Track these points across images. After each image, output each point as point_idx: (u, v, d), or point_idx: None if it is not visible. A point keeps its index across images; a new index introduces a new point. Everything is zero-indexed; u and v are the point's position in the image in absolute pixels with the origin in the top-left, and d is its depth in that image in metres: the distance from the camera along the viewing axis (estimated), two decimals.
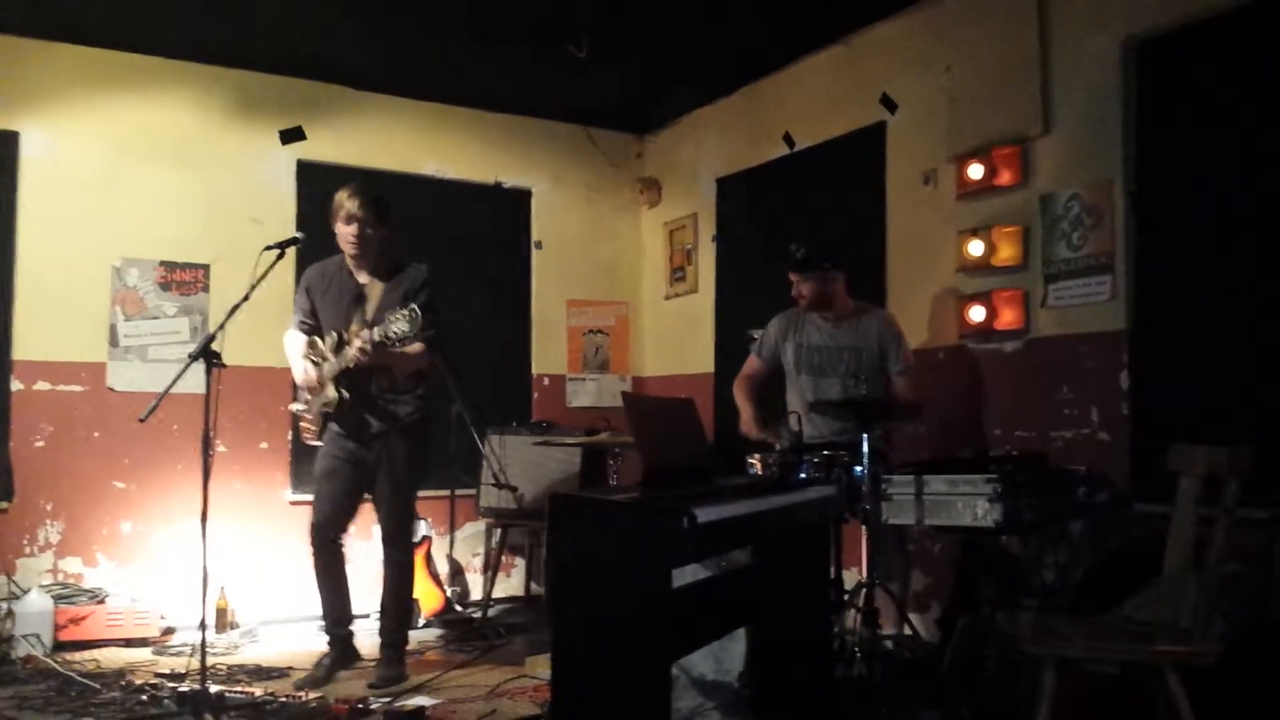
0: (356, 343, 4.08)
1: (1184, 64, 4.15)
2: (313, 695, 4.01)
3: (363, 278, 4.44)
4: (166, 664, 4.71)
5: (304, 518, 4.63)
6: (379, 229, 4.38)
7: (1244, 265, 3.92)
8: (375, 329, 4.02)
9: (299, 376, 4.43)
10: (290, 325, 4.57)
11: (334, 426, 4.41)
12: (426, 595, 5.67)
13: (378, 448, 4.38)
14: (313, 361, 4.39)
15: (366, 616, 4.89)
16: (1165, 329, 4.16)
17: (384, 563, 4.47)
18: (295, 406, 4.55)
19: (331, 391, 4.27)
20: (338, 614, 4.48)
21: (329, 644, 4.49)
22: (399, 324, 3.93)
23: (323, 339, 4.42)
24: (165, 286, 5.79)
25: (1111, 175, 4.32)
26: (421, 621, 5.51)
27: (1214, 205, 4.03)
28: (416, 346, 4.20)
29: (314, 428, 4.45)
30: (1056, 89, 4.56)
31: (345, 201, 4.35)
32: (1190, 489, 2.92)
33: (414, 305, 3.95)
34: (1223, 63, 4.02)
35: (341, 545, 4.49)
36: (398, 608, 4.50)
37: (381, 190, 6.16)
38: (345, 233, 4.34)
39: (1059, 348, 4.49)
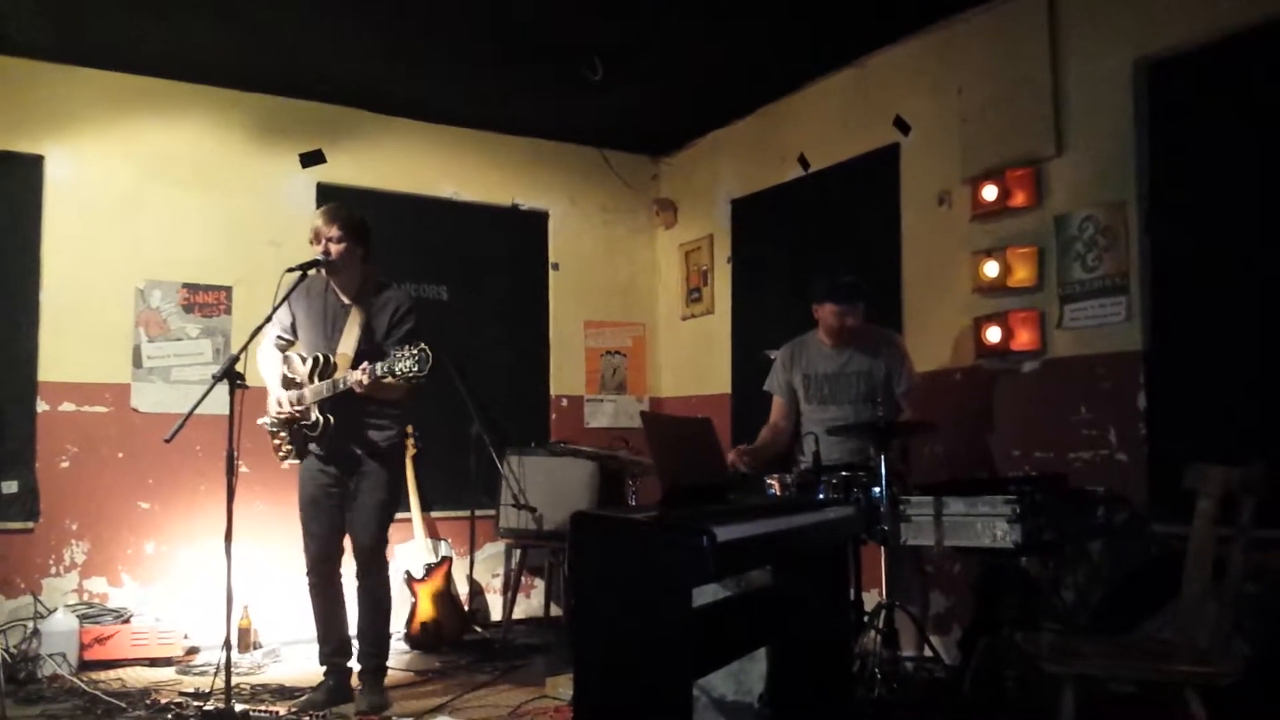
0: (356, 374, 4.05)
1: (1196, 84, 4.18)
2: (334, 713, 4.04)
3: (345, 299, 4.40)
4: (191, 683, 4.74)
5: None
6: (351, 247, 4.31)
7: (1259, 284, 3.93)
8: (380, 364, 4.00)
9: (284, 401, 4.33)
10: (265, 339, 4.41)
11: (313, 448, 4.37)
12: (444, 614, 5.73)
13: (356, 473, 4.36)
14: (292, 382, 4.37)
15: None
16: (1182, 349, 4.17)
17: (358, 590, 4.40)
18: (265, 421, 4.48)
19: (316, 414, 4.26)
20: (336, 642, 4.42)
21: (326, 673, 4.41)
22: (406, 362, 3.91)
23: (300, 357, 4.41)
24: (188, 308, 5.86)
25: (1125, 196, 4.35)
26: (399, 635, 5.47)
27: (1228, 224, 4.05)
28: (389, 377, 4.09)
29: (289, 447, 4.39)
30: (1069, 110, 4.59)
31: (313, 221, 4.35)
32: (1207, 509, 2.93)
33: (424, 345, 3.93)
34: (1235, 83, 4.05)
35: (339, 574, 4.46)
36: (376, 634, 4.42)
37: (399, 212, 6.36)
38: (315, 251, 4.30)
39: (1076, 368, 4.50)
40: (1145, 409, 4.25)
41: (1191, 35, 4.15)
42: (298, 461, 4.42)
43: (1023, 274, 4.70)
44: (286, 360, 4.45)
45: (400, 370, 3.94)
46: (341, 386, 4.15)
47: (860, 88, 5.70)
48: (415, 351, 3.92)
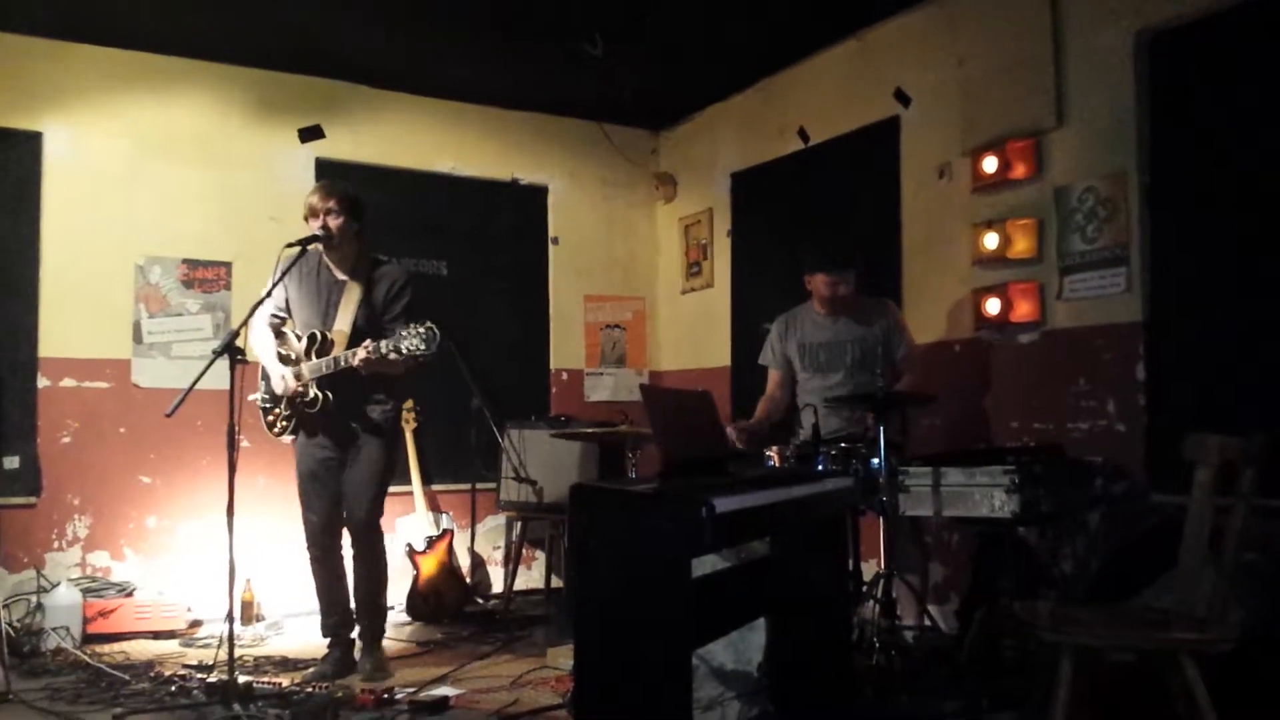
0: (360, 353, 4.06)
1: (1198, 56, 4.16)
2: (338, 684, 4.08)
3: (340, 275, 4.40)
4: (194, 655, 4.78)
5: None
6: (348, 221, 4.32)
7: (1260, 255, 3.93)
8: (385, 342, 4.01)
9: (278, 383, 4.35)
10: (258, 317, 4.38)
11: (308, 424, 4.40)
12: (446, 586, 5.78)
13: (353, 446, 4.38)
14: (288, 359, 4.39)
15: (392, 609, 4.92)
16: (1181, 320, 4.17)
17: (354, 560, 4.44)
18: (256, 397, 4.50)
19: (314, 391, 4.27)
20: (340, 615, 4.46)
21: (330, 645, 4.44)
22: (413, 340, 3.93)
23: (294, 334, 4.43)
24: (188, 284, 5.86)
25: (1126, 167, 4.33)
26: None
27: (1229, 196, 4.04)
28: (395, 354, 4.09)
29: (285, 423, 4.41)
30: (1070, 82, 4.57)
31: (308, 197, 4.35)
32: (1206, 479, 2.94)
33: (430, 324, 3.95)
34: (1237, 54, 4.03)
35: (340, 547, 4.49)
36: (372, 604, 4.46)
37: (399, 187, 6.35)
38: (312, 227, 4.29)
39: (1075, 340, 4.51)
40: (1144, 380, 4.26)
41: (1193, 7, 4.12)
42: (294, 436, 4.44)
43: (1022, 246, 4.69)
44: (281, 337, 4.46)
45: (407, 349, 3.94)
46: (342, 364, 4.16)
47: (860, 60, 5.67)
48: (422, 330, 3.93)
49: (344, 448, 4.39)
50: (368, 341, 4.09)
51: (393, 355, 4.00)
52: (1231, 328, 4.01)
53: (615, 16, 5.37)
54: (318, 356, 4.28)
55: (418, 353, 3.94)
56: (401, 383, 4.48)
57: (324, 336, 4.31)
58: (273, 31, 5.57)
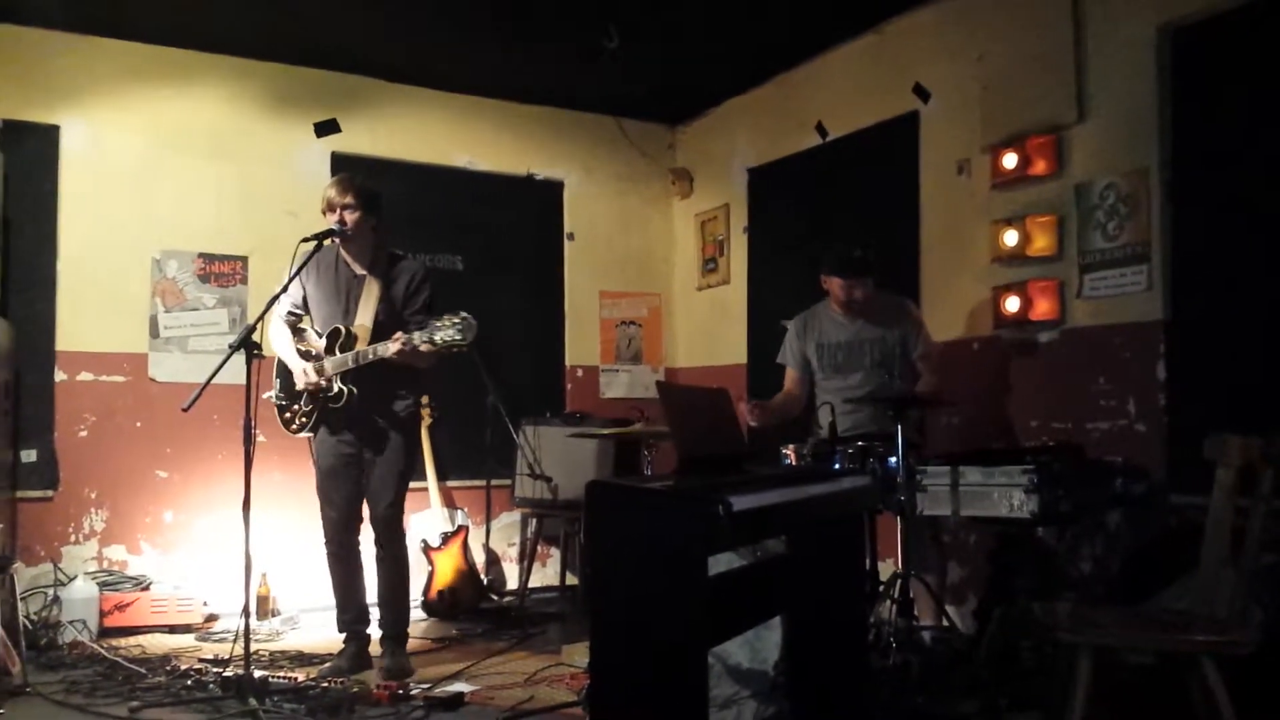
0: (395, 345, 4.03)
1: (1221, 50, 4.11)
2: (354, 680, 4.08)
3: (359, 270, 4.39)
4: (210, 650, 4.79)
5: None
6: (365, 216, 4.30)
7: None
8: (419, 333, 4.00)
9: (299, 377, 4.34)
10: (275, 316, 4.44)
11: (332, 420, 4.39)
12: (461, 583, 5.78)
13: (374, 442, 4.38)
14: (309, 355, 4.39)
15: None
16: (1202, 319, 4.13)
17: (378, 559, 4.43)
18: (271, 395, 4.49)
19: (338, 386, 4.26)
20: (356, 611, 4.46)
21: (346, 640, 4.45)
22: (449, 331, 3.91)
23: (313, 330, 4.43)
24: (204, 278, 5.87)
25: (1147, 164, 4.29)
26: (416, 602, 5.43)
27: (1252, 193, 4.00)
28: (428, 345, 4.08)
29: (305, 420, 4.40)
30: (1091, 77, 4.53)
31: (326, 191, 4.33)
32: (1226, 479, 2.91)
33: (465, 314, 3.93)
34: (1261, 49, 3.98)
35: (358, 542, 4.49)
36: (397, 602, 4.45)
37: (414, 181, 6.35)
38: (329, 221, 4.28)
39: (1095, 338, 4.47)
40: (1165, 379, 4.22)
41: (1216, 1, 4.08)
42: (313, 433, 4.43)
43: (1042, 243, 4.65)
44: (299, 334, 4.46)
45: (442, 340, 3.93)
46: (371, 357, 4.14)
47: (879, 54, 5.64)
48: (458, 320, 3.92)
49: (366, 443, 4.39)
50: (399, 334, 4.08)
51: (425, 346, 3.99)
52: (1253, 327, 3.97)
53: (631, 9, 5.35)
54: (340, 351, 4.27)
55: (453, 342, 3.93)
56: (422, 378, 4.48)
57: (347, 331, 4.30)
58: (289, 26, 5.58)
